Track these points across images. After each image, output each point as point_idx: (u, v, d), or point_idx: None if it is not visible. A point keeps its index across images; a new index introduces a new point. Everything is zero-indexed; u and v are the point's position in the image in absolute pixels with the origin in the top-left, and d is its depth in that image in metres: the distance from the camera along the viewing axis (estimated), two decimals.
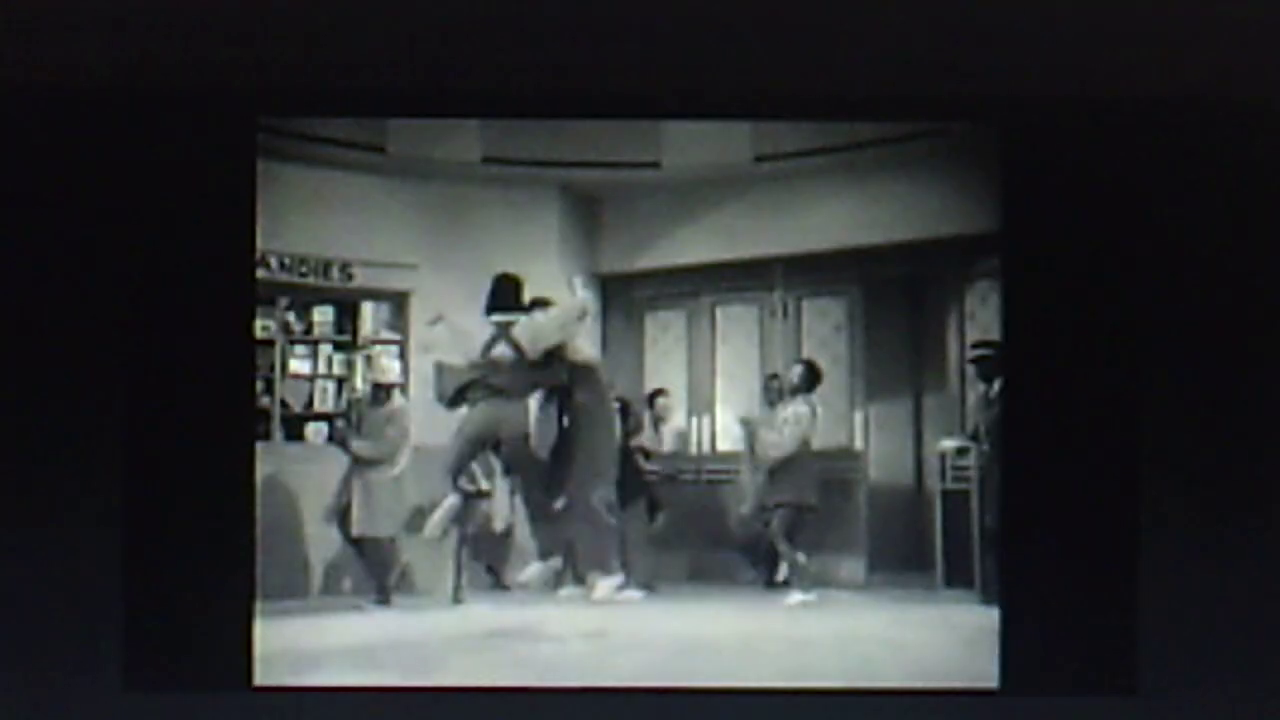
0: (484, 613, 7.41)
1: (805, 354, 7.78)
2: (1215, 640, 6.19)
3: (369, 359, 7.70)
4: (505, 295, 7.53)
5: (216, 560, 6.22)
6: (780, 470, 7.68)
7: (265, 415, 7.35)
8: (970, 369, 7.15)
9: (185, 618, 6.21)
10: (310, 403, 7.65)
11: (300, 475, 7.40)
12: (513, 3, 6.14)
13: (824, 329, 7.92)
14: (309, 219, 7.30)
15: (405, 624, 7.23)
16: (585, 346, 7.79)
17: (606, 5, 6.13)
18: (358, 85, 6.29)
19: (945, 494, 7.41)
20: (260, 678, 6.28)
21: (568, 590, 7.54)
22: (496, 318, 7.60)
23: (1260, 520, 6.20)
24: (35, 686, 6.13)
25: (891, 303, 7.80)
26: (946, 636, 6.70)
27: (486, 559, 7.73)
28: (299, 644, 6.61)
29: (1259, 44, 6.15)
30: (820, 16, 6.16)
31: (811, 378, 7.64)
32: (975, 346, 7.09)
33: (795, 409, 7.65)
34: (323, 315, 7.71)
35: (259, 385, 7.31)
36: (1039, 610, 6.28)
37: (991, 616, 6.43)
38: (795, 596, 7.44)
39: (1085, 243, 6.31)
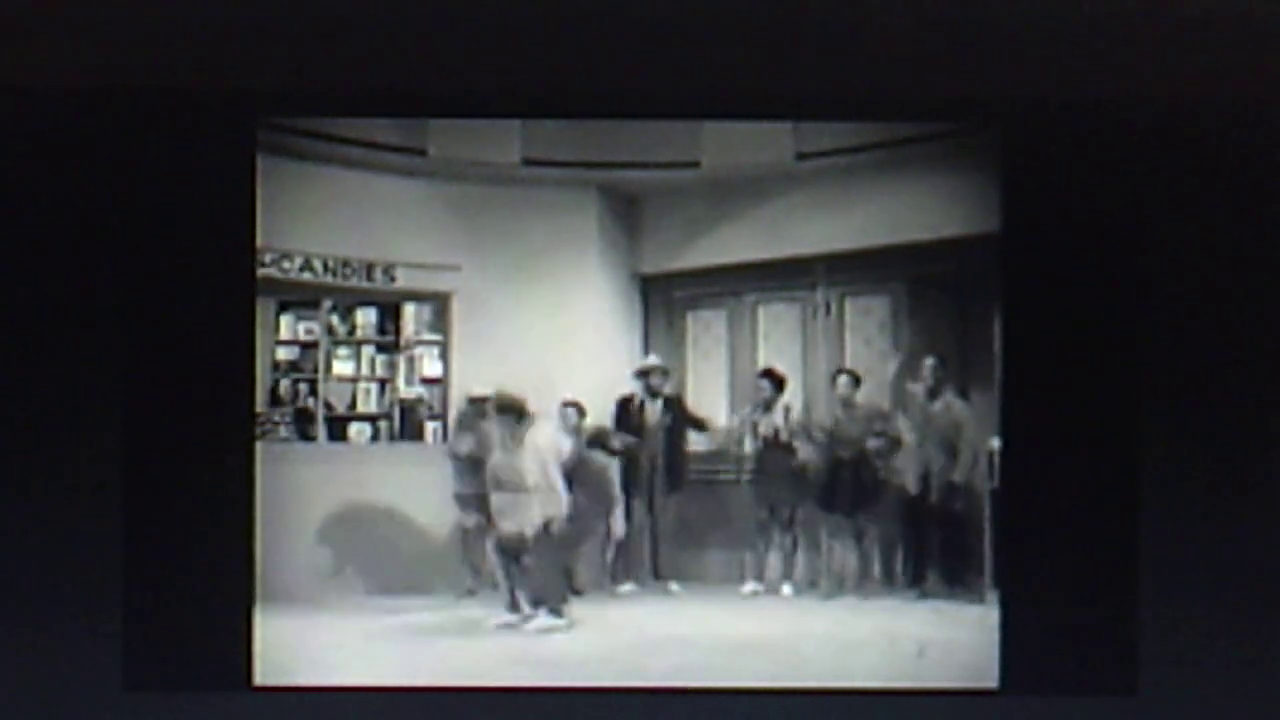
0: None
1: (849, 351, 7.75)
2: (1215, 640, 6.19)
3: (411, 360, 7.74)
4: None
5: (216, 560, 6.28)
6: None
7: (310, 416, 7.42)
8: None
9: (185, 618, 6.27)
10: (353, 404, 7.69)
11: (350, 476, 7.46)
12: (551, 3, 6.17)
13: (868, 327, 7.87)
14: (351, 222, 7.37)
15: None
16: None
17: (644, 6, 6.14)
18: (394, 86, 6.34)
19: (994, 493, 7.32)
20: (260, 678, 6.34)
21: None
22: None
23: (1260, 520, 6.18)
24: (35, 686, 6.22)
25: (936, 300, 7.71)
26: (989, 637, 6.63)
27: None
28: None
29: (1259, 44, 6.14)
30: (854, 17, 6.16)
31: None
32: None
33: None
34: (365, 317, 7.76)
35: (304, 387, 7.41)
36: (1039, 610, 6.25)
37: None
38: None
39: (1085, 243, 6.26)
